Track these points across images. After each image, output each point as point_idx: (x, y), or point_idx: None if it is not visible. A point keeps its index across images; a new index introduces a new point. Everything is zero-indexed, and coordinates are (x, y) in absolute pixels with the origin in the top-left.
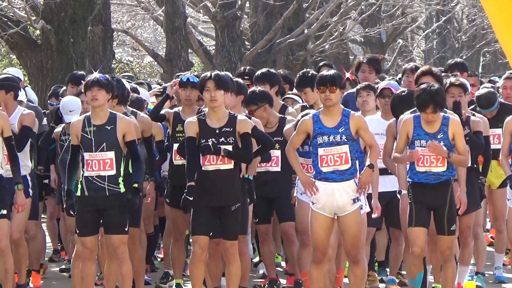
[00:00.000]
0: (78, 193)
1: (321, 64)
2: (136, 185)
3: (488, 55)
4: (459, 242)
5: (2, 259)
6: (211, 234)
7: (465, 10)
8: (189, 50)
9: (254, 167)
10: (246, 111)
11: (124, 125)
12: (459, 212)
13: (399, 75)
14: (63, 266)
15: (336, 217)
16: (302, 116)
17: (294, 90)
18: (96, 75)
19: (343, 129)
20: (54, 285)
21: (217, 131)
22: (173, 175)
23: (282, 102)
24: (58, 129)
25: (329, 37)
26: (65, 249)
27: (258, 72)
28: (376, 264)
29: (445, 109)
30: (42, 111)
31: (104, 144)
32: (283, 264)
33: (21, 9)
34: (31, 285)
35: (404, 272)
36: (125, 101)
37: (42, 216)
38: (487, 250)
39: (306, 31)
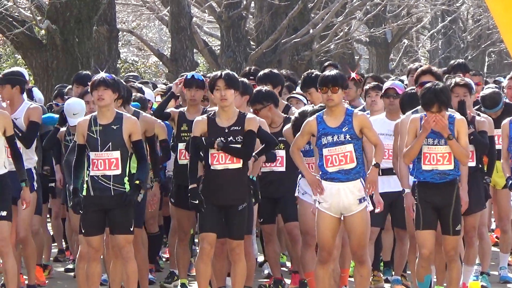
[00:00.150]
0: (84, 193)
1: (326, 64)
2: (138, 181)
3: (493, 55)
4: (464, 242)
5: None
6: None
7: (470, 10)
8: (194, 50)
9: (258, 167)
10: (251, 111)
11: (130, 124)
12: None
13: (403, 76)
14: (68, 266)
15: (342, 218)
16: (299, 114)
17: (298, 90)
18: (102, 74)
19: (347, 128)
20: (59, 285)
21: (226, 130)
22: (178, 174)
23: (286, 102)
24: (63, 129)
25: (335, 37)
26: (70, 249)
27: (261, 73)
28: (382, 264)
29: (449, 108)
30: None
31: (110, 143)
32: (288, 264)
33: (26, 9)
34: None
35: (405, 274)
36: (128, 101)
37: (47, 216)
38: (492, 250)
39: (311, 31)
